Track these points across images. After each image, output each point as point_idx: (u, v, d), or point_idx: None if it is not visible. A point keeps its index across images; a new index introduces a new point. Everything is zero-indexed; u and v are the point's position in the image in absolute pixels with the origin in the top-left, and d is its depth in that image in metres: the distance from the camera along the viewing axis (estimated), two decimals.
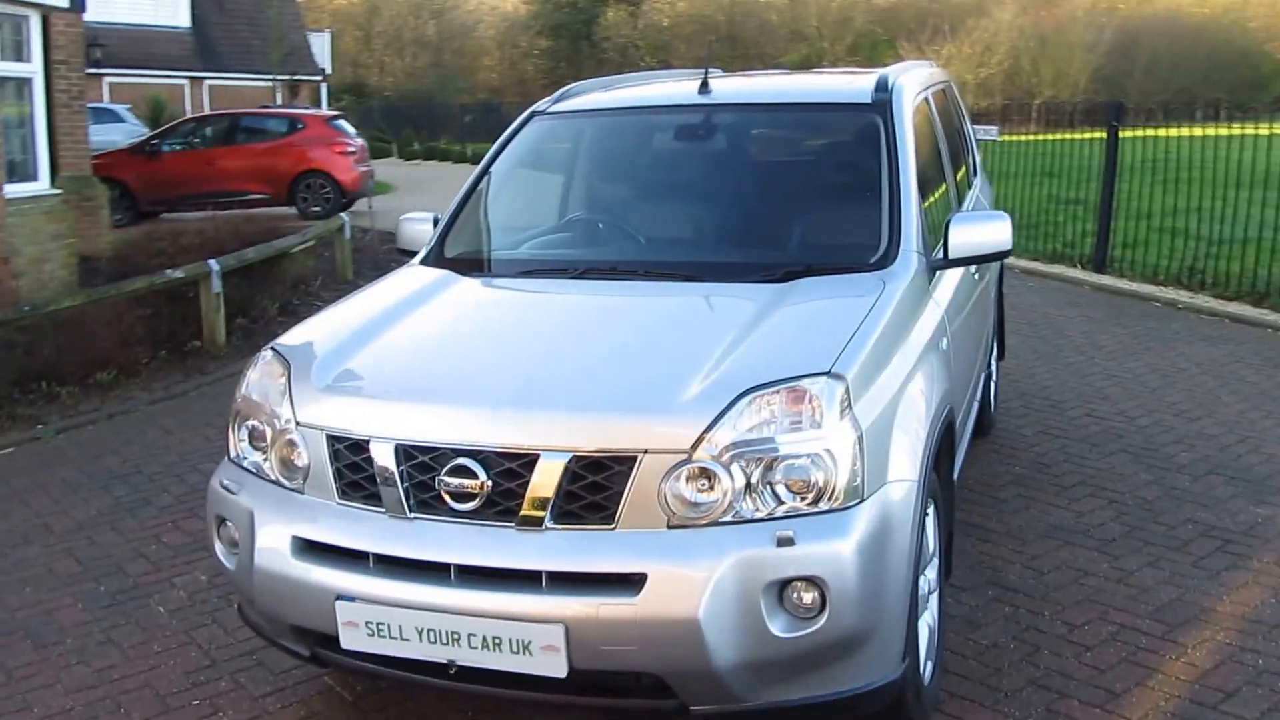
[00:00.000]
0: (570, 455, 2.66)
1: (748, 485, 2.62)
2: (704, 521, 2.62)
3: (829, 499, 2.64)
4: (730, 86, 4.36)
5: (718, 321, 3.21)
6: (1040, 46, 37.46)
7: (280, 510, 2.93)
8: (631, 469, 2.63)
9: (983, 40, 37.21)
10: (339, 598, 2.76)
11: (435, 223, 4.14)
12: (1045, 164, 12.08)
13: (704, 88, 4.19)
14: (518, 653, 2.62)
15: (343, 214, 12.17)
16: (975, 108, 22.75)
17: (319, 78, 30.51)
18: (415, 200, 16.06)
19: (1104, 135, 10.17)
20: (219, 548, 3.13)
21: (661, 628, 2.55)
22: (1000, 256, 3.72)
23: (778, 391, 2.69)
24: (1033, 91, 35.31)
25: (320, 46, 31.37)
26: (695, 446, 2.62)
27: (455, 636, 2.66)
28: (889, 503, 2.73)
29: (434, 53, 44.58)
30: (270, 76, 26.93)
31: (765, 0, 44.63)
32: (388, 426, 2.82)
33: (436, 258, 3.96)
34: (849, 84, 4.32)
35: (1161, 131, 11.47)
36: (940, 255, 3.62)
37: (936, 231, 3.70)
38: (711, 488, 2.62)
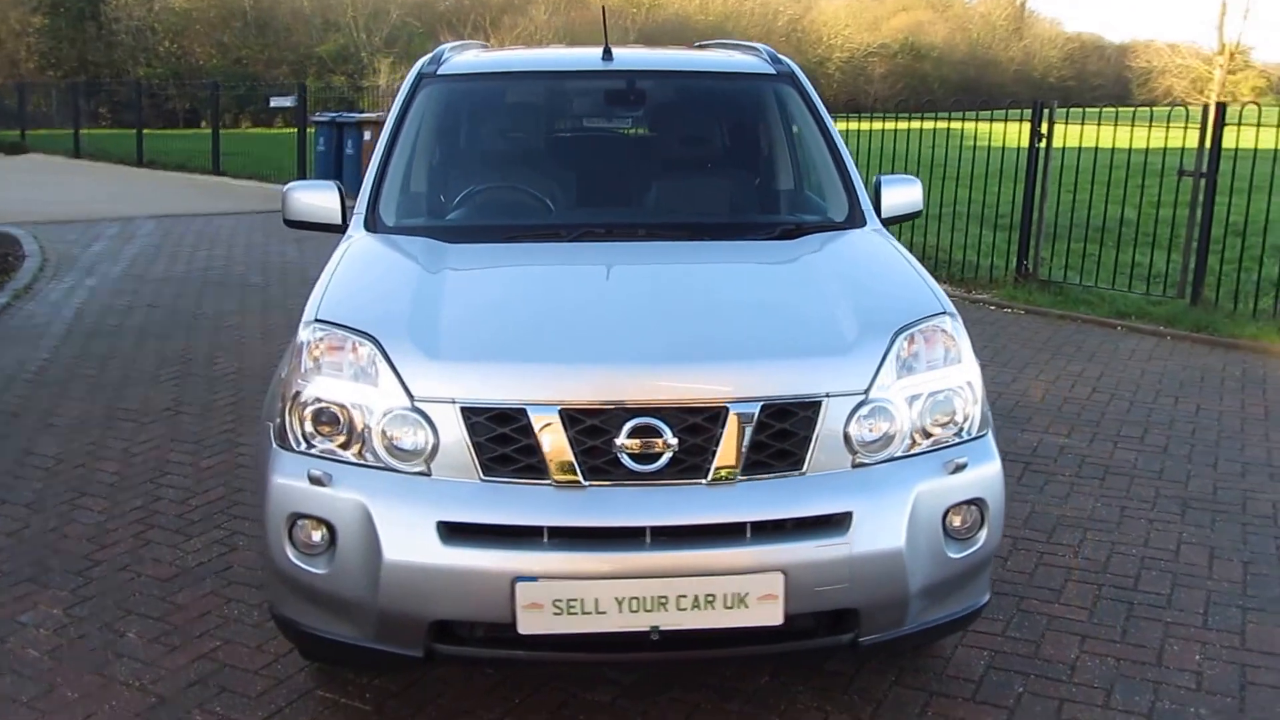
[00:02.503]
0: (760, 405, 2.64)
1: (911, 420, 2.76)
2: (882, 458, 2.73)
3: (969, 428, 2.85)
4: (631, 55, 4.37)
5: (786, 273, 3.31)
6: (573, 42, 39.63)
7: (408, 497, 2.62)
8: (817, 413, 2.67)
9: (521, 37, 38.60)
10: (518, 579, 2.52)
11: (340, 192, 3.80)
12: None
13: (607, 55, 4.19)
14: (732, 607, 2.58)
15: None
16: None
17: None
18: None
19: None
20: (290, 552, 2.71)
21: (870, 562, 2.64)
22: (914, 216, 4.10)
23: (921, 330, 2.86)
24: None
25: None
26: (870, 386, 2.72)
27: (661, 601, 2.56)
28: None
29: None
30: None
31: None
32: (547, 392, 2.63)
33: (378, 225, 3.63)
34: (737, 57, 4.49)
35: None
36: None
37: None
38: (885, 425, 2.73)
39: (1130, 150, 9.17)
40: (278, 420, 2.83)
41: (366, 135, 14.48)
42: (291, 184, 3.95)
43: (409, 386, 2.69)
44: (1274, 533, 4.49)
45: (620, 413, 2.63)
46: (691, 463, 2.64)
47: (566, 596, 2.55)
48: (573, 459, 2.62)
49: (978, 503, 2.80)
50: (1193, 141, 8.48)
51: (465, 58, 4.31)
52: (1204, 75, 49.07)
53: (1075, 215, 9.76)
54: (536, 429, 2.62)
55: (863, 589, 2.67)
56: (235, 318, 8.13)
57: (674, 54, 4.63)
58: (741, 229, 3.66)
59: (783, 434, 2.68)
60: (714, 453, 2.64)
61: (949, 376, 2.86)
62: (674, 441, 2.62)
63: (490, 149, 4.16)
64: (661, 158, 4.10)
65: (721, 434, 2.64)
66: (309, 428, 2.77)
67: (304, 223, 3.90)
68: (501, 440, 2.65)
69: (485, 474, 2.64)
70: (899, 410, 2.76)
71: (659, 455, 2.63)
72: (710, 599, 2.57)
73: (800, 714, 3.19)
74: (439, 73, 4.17)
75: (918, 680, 3.36)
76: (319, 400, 2.76)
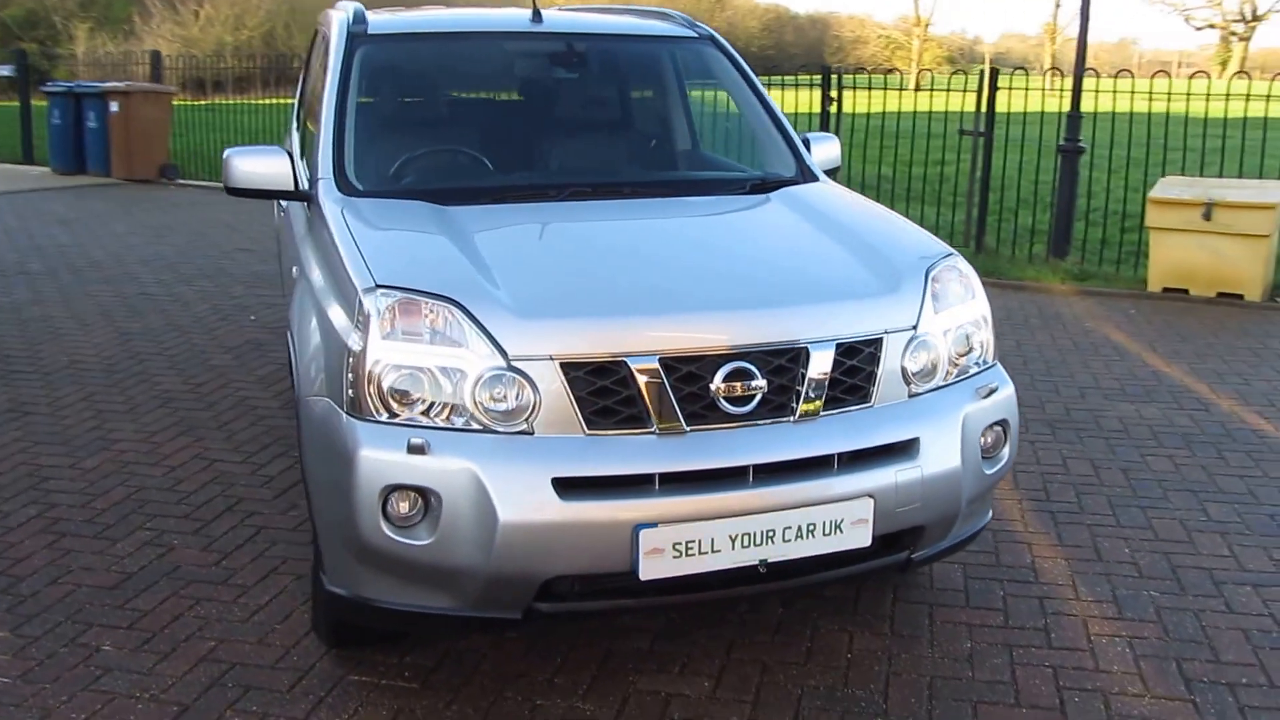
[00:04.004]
0: (834, 344, 2.81)
1: (946, 351, 3.02)
2: (930, 388, 2.98)
3: (986, 357, 3.15)
4: (562, 19, 4.38)
5: (797, 223, 3.47)
6: (292, 13, 37.86)
7: (517, 456, 2.62)
8: (880, 349, 2.88)
9: (239, 3, 36.49)
10: (640, 527, 2.58)
11: (290, 157, 3.67)
12: None
13: (537, 17, 4.21)
14: (830, 534, 2.75)
15: None
16: (237, 70, 22.72)
17: None
18: None
19: None
20: (385, 527, 2.64)
21: (937, 483, 2.88)
22: (836, 171, 4.38)
23: (943, 269, 3.11)
24: (293, 56, 35.71)
25: None
26: (918, 322, 2.95)
27: (769, 534, 2.69)
28: None
29: None
30: None
31: None
32: (646, 343, 2.69)
33: (351, 190, 3.53)
34: (651, 20, 4.59)
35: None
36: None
37: None
38: (930, 357, 2.97)
39: (915, 114, 9.94)
40: (349, 392, 2.72)
41: (114, 106, 13.30)
42: (231, 150, 3.75)
43: (503, 346, 2.66)
44: (1131, 443, 5.11)
45: (715, 358, 2.73)
46: (779, 402, 2.78)
47: (685, 539, 2.63)
48: (675, 406, 2.69)
49: (1003, 423, 3.10)
50: (957, 105, 9.32)
51: (387, 17, 4.19)
52: (902, 43, 53.11)
53: (866, 176, 10.47)
54: (638, 379, 2.68)
55: (930, 508, 2.91)
56: (35, 309, 7.43)
57: (600, 19, 4.67)
58: (713, 185, 3.81)
59: (853, 370, 2.86)
60: (798, 392, 2.79)
61: (971, 310, 3.13)
62: (763, 383, 2.75)
63: (442, 110, 4.08)
64: (611, 118, 4.16)
65: (804, 373, 2.79)
66: (391, 396, 2.68)
67: (249, 190, 3.72)
68: (602, 393, 2.68)
69: (589, 428, 2.67)
70: (939, 343, 3.00)
71: (751, 397, 2.74)
72: (811, 528, 2.73)
73: (826, 637, 3.40)
74: (370, 33, 4.04)
75: (914, 595, 3.65)
76: (400, 367, 2.68)
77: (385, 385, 2.68)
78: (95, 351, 6.47)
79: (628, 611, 3.12)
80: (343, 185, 3.55)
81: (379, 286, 2.77)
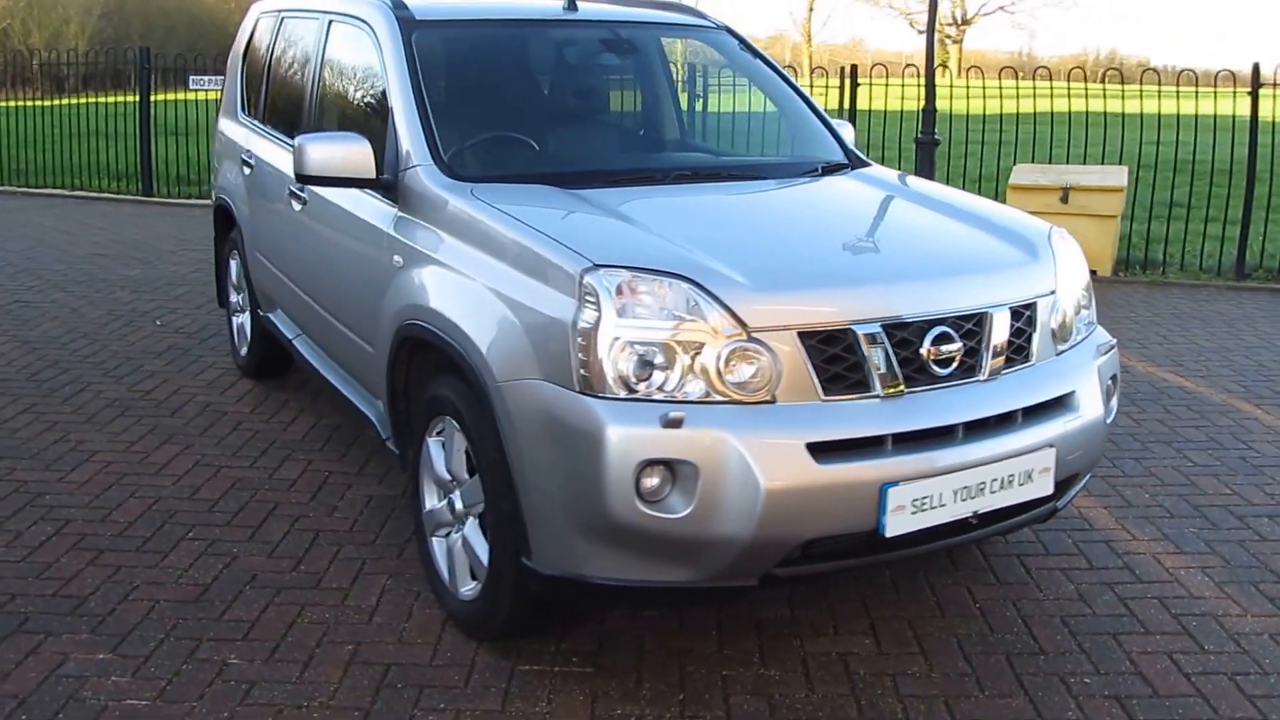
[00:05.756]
0: (1008, 307, 3.02)
1: (1071, 313, 3.29)
2: (1067, 346, 3.24)
3: (1093, 318, 3.46)
4: (597, 8, 4.39)
5: (899, 202, 3.67)
6: (30, 9, 34.92)
7: (770, 424, 2.69)
8: (1035, 311, 3.12)
9: None
10: (886, 486, 2.71)
11: (369, 144, 3.57)
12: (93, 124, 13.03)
13: (571, 5, 4.24)
14: (1023, 484, 2.96)
15: None
16: None
17: None
18: None
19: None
20: (638, 505, 2.64)
21: (1091, 431, 3.17)
22: None
23: (1059, 238, 3.41)
24: (30, 52, 32.88)
25: None
26: (1056, 287, 3.21)
27: (981, 487, 2.88)
28: None
29: None
30: None
31: None
32: (871, 310, 2.81)
33: (454, 175, 3.45)
34: (672, 12, 4.66)
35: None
36: None
37: None
38: (1065, 318, 3.24)
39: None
40: (580, 371, 2.68)
41: None
42: (304, 136, 3.58)
43: (744, 319, 2.71)
44: None
45: (923, 324, 2.88)
46: (970, 363, 2.96)
47: (921, 495, 2.76)
48: (896, 369, 2.82)
49: (1114, 377, 3.40)
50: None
51: (425, 4, 4.08)
52: None
53: None
54: (864, 345, 2.79)
55: (1086, 455, 3.17)
56: None
57: (629, 9, 4.67)
58: (791, 169, 3.95)
59: (1018, 332, 3.07)
60: (985, 353, 2.97)
61: (1082, 275, 3.40)
62: (959, 346, 2.92)
63: (509, 95, 3.99)
64: (663, 104, 4.20)
65: (989, 336, 2.98)
66: (630, 372, 2.67)
67: (324, 178, 3.57)
68: (833, 360, 2.77)
69: (825, 394, 2.76)
70: (1068, 304, 3.26)
71: (951, 360, 2.91)
72: (1011, 479, 2.92)
73: (946, 592, 3.60)
74: (418, 18, 3.93)
75: (999, 548, 3.89)
76: (637, 344, 2.68)
77: (622, 362, 2.68)
78: (6, 362, 5.90)
79: (857, 569, 3.22)
80: (445, 172, 3.46)
81: (599, 266, 2.75)
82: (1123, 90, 8.81)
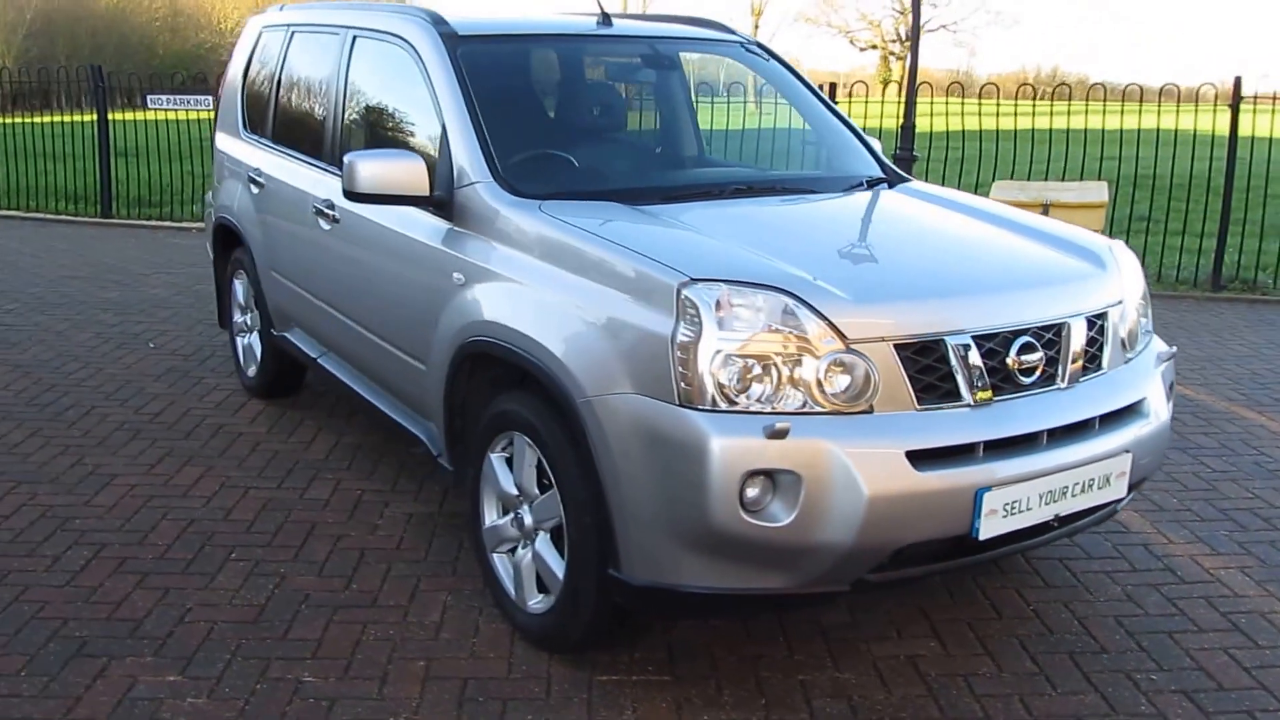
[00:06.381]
0: (1084, 317, 3.10)
1: (1135, 322, 3.39)
2: (1134, 354, 3.33)
3: (1149, 326, 3.56)
4: (631, 25, 4.43)
5: (956, 216, 3.73)
6: None
7: (869, 434, 2.73)
8: (1106, 321, 3.20)
9: None
10: (981, 491, 2.76)
11: (423, 162, 3.57)
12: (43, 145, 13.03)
13: (605, 21, 4.28)
14: (1103, 487, 3.04)
15: None
16: None
17: None
18: None
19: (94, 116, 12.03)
20: (741, 514, 2.67)
21: (1160, 436, 3.26)
22: None
23: (1120, 250, 3.50)
24: None
25: None
26: (1123, 297, 3.30)
27: (1064, 491, 2.95)
28: None
29: None
30: None
31: None
32: (962, 321, 2.88)
33: (517, 192, 3.46)
34: (702, 29, 4.71)
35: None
36: None
37: None
38: (1131, 327, 3.33)
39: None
40: (681, 385, 2.70)
41: None
42: (353, 154, 3.56)
43: (842, 331, 2.75)
44: None
45: (1008, 334, 2.94)
46: (1050, 372, 3.02)
47: (1012, 500, 2.82)
48: (985, 378, 2.88)
49: (1172, 384, 3.50)
50: None
51: (465, 19, 4.08)
52: None
53: None
54: (954, 356, 2.84)
55: (1154, 460, 3.26)
56: None
57: (663, 25, 4.68)
58: (840, 183, 4.01)
59: (1091, 340, 3.15)
60: (1065, 362, 3.04)
61: (1140, 284, 3.49)
62: (1042, 355, 2.98)
63: (558, 111, 4.01)
64: (696, 121, 4.24)
65: (1067, 345, 3.05)
66: (731, 384, 2.70)
67: (376, 195, 3.56)
68: (926, 370, 2.83)
69: (919, 403, 2.81)
70: (1132, 313, 3.35)
71: (1034, 369, 2.98)
72: (1091, 483, 2.99)
73: (998, 595, 3.67)
74: (461, 34, 3.93)
75: (1040, 551, 3.97)
76: (737, 356, 2.70)
77: (723, 375, 2.70)
78: (1, 385, 5.76)
79: (943, 573, 3.26)
80: (506, 188, 3.47)
81: (696, 280, 2.77)
82: (1104, 106, 9.04)
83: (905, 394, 2.80)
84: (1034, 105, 9.71)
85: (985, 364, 2.89)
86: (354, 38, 4.45)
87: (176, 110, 12.43)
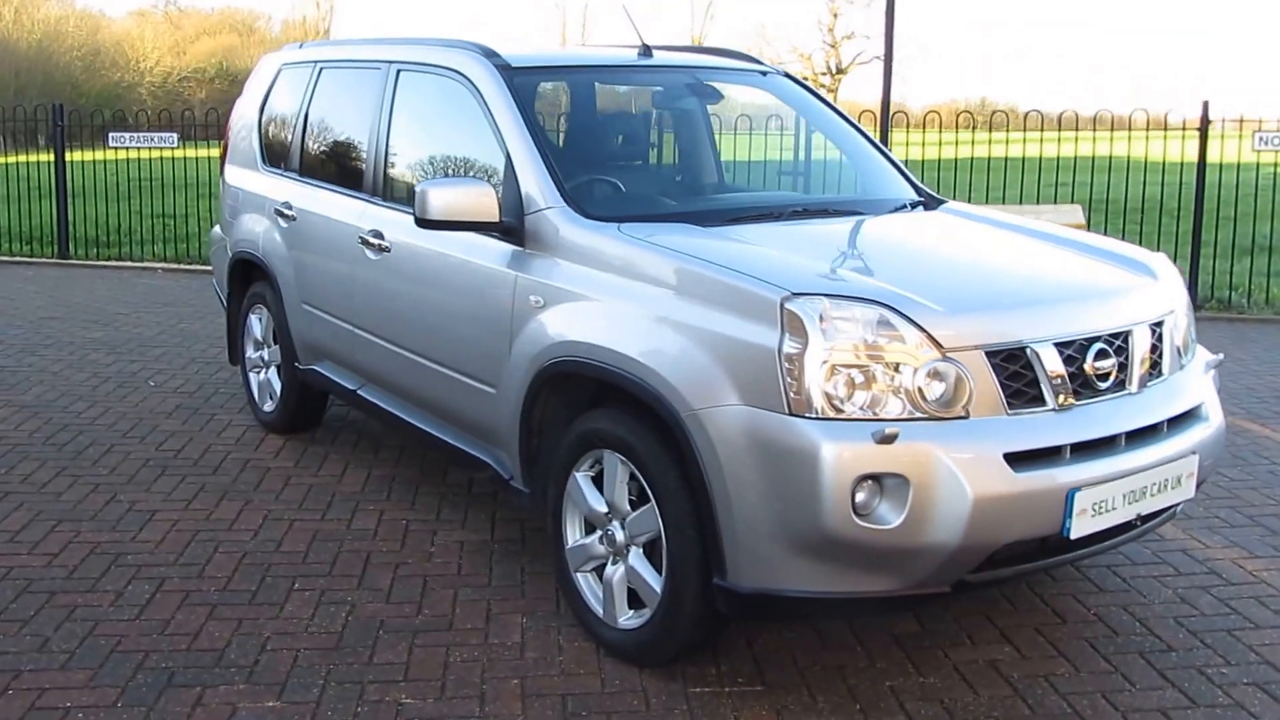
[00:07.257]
0: (1149, 324, 3.26)
1: (1185, 330, 3.56)
2: (1186, 360, 3.49)
3: (1194, 334, 3.73)
4: (665, 57, 4.55)
5: (1005, 232, 3.88)
6: None
7: (969, 438, 2.85)
8: (1163, 328, 3.36)
9: None
10: (1073, 491, 2.88)
11: (492, 186, 3.66)
12: None
13: (646, 53, 4.40)
14: (1176, 487, 3.18)
15: None
16: None
17: None
18: None
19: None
20: (853, 518, 2.76)
21: (1218, 439, 3.42)
22: None
23: (1165, 263, 3.67)
24: None
25: None
26: (1175, 307, 3.46)
27: (1144, 491, 3.08)
28: None
29: None
30: None
31: None
32: (1045, 330, 3.01)
33: (589, 216, 3.56)
34: (731, 60, 4.85)
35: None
36: None
37: None
38: (1183, 334, 3.50)
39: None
40: (790, 395, 2.79)
41: None
42: (425, 182, 3.63)
43: (938, 340, 2.86)
44: None
45: (1086, 340, 3.08)
46: (1120, 377, 3.17)
47: (1100, 500, 2.94)
48: (1066, 383, 3.01)
49: (1217, 390, 3.67)
50: None
51: (516, 52, 4.17)
52: None
53: None
54: (1039, 362, 2.97)
55: (1214, 461, 3.41)
56: None
57: (694, 55, 4.81)
58: (889, 205, 4.16)
59: (1152, 347, 3.30)
60: (1134, 367, 3.19)
61: (1184, 295, 3.67)
62: (1115, 361, 3.13)
63: (614, 138, 4.11)
64: (717, 148, 4.38)
65: (1134, 351, 3.20)
66: (837, 393, 2.80)
67: (447, 222, 3.63)
68: (1013, 376, 2.95)
69: (1009, 408, 2.93)
70: (1184, 322, 3.52)
71: (1108, 374, 3.12)
72: (1167, 483, 3.13)
73: (1058, 602, 3.79)
74: (515, 66, 4.02)
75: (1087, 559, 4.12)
76: (842, 366, 2.80)
77: (829, 384, 2.80)
78: (11, 426, 5.67)
79: (1033, 572, 3.36)
80: (580, 213, 3.55)
81: (797, 294, 2.88)
82: (1076, 134, 9.37)
83: (996, 399, 2.92)
84: (989, 134, 10.00)
85: (1068, 369, 3.03)
86: (398, 72, 4.51)
87: (140, 148, 12.34)
